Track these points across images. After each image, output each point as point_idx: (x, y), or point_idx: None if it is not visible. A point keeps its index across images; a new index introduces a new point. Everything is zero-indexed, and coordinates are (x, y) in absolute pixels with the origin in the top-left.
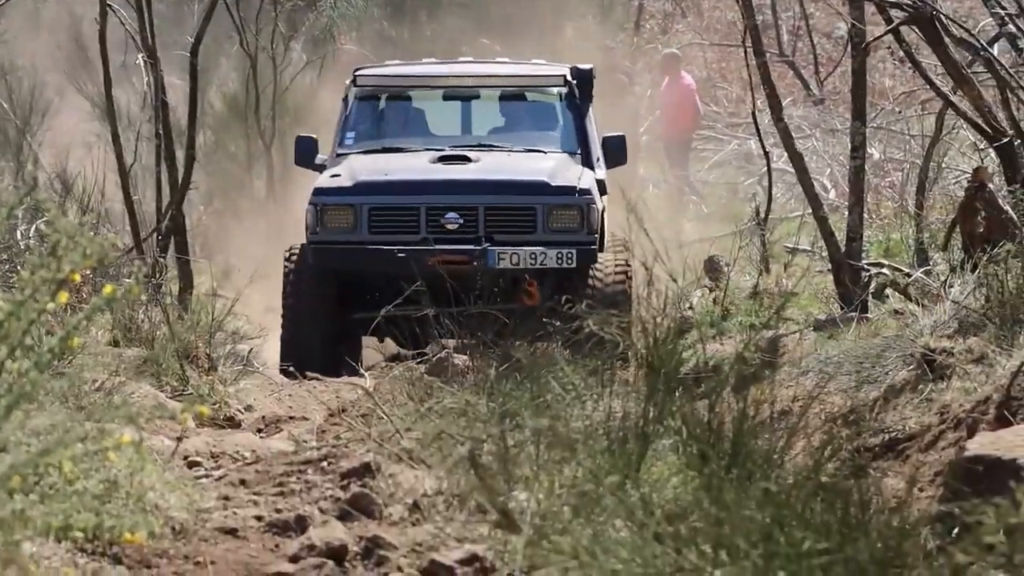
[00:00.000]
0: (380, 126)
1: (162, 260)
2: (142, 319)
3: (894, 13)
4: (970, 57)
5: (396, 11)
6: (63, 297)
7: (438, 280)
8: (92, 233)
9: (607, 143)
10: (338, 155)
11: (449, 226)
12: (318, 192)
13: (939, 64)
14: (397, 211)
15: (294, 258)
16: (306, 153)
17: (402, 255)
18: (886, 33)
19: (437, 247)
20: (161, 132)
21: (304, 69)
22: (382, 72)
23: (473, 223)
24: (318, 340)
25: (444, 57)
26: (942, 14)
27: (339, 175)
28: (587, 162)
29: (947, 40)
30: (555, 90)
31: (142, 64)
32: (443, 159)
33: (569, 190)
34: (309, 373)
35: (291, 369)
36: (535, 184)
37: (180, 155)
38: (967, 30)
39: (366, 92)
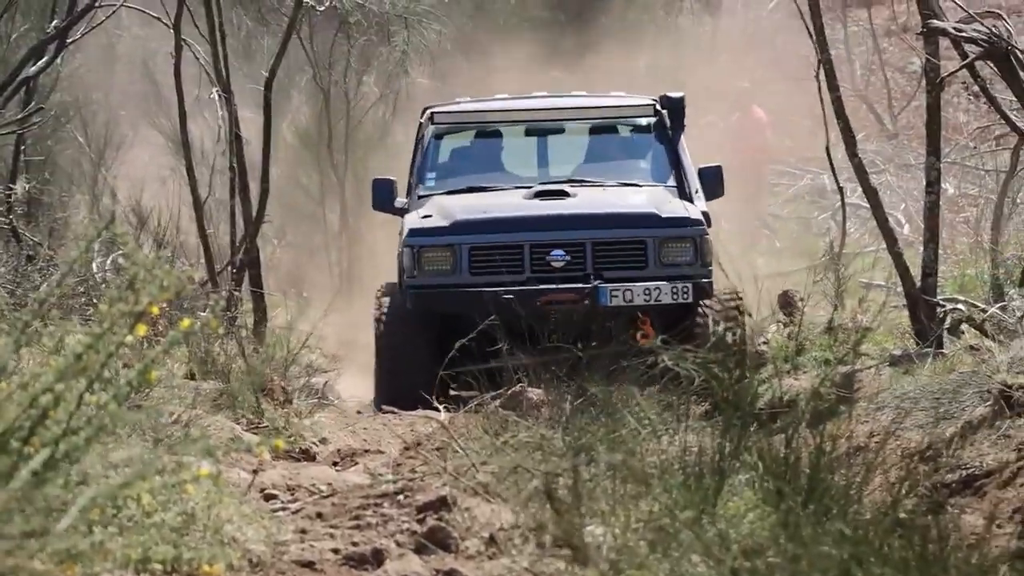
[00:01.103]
0: (461, 164)
1: (237, 293)
2: (218, 352)
3: (969, 48)
4: None
5: (468, 45)
6: (141, 330)
7: (543, 322)
8: (168, 266)
9: (703, 174)
10: (420, 197)
11: (555, 264)
12: (414, 233)
13: (1014, 99)
14: (499, 250)
15: (386, 300)
16: (384, 196)
17: (508, 297)
18: (961, 68)
19: (543, 287)
20: (235, 166)
21: (376, 103)
22: (460, 109)
23: (580, 260)
24: (415, 383)
25: (517, 92)
26: (1018, 49)
27: (431, 215)
28: (683, 194)
29: (1022, 75)
30: (644, 121)
31: (216, 98)
32: (539, 195)
33: (681, 221)
34: (385, 407)
35: (384, 408)
36: (645, 216)
37: (254, 188)
38: None
39: (444, 130)
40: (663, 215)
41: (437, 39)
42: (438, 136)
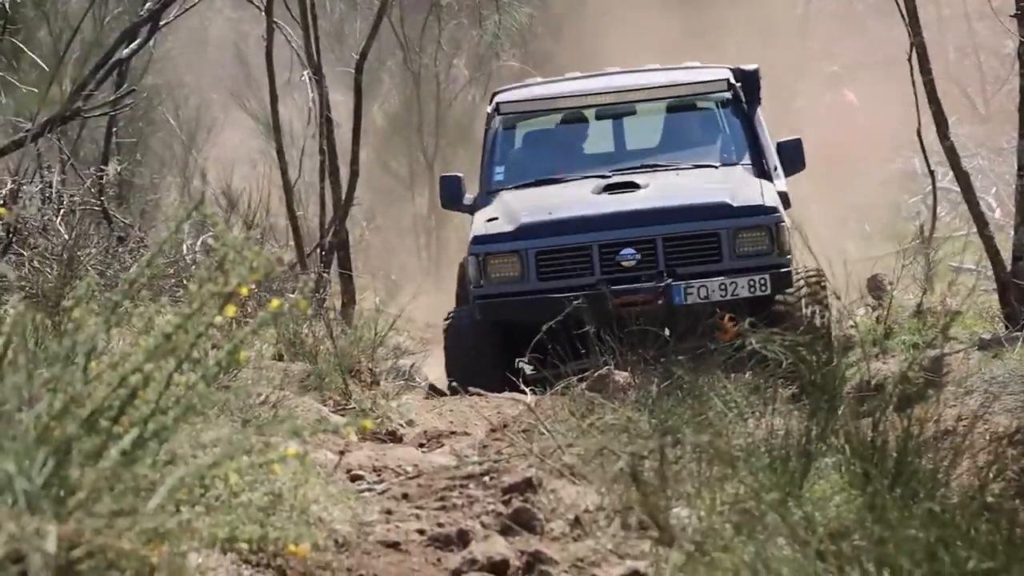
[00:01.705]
0: (531, 153)
1: (326, 275)
2: (306, 334)
3: None
4: None
5: (559, 27)
6: (230, 311)
7: (619, 323)
8: (258, 248)
9: (782, 148)
10: (488, 193)
11: (625, 263)
12: (478, 240)
13: None
14: (567, 252)
15: (452, 312)
16: (452, 194)
17: (579, 304)
18: None
19: (615, 287)
20: (325, 148)
21: (467, 86)
22: (526, 95)
23: (651, 257)
24: (485, 380)
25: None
26: None
27: (496, 218)
28: (762, 172)
29: None
30: (718, 95)
31: (308, 80)
32: (608, 188)
33: (754, 209)
34: (472, 388)
35: (454, 385)
36: (715, 206)
37: (344, 171)
38: None
39: (511, 119)
40: (735, 204)
41: (528, 22)
42: (506, 127)
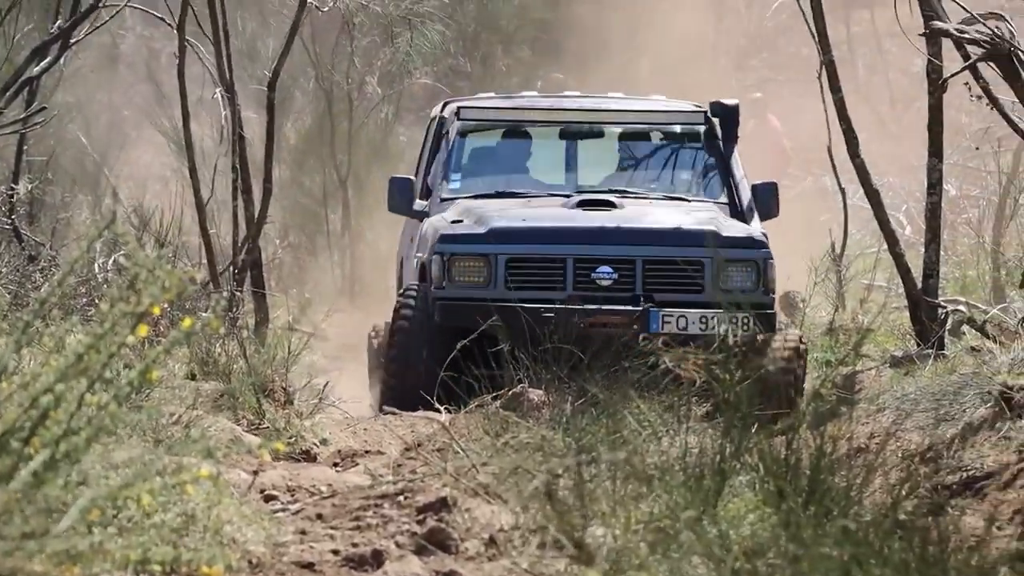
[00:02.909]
0: (486, 166)
1: (239, 294)
2: (219, 353)
3: (971, 49)
4: None
5: (471, 45)
6: (142, 330)
7: (584, 345)
8: (170, 266)
9: (757, 191)
10: (443, 200)
11: (601, 282)
12: (445, 239)
13: (1016, 100)
14: (539, 263)
15: (409, 305)
16: (403, 197)
17: (548, 315)
18: (963, 69)
19: (588, 307)
20: (238, 166)
21: (379, 104)
22: (489, 105)
23: (629, 279)
24: (426, 388)
25: (515, 91)
26: (1020, 50)
27: (462, 220)
28: (735, 213)
29: None
30: (693, 129)
31: (220, 98)
32: (582, 204)
33: (745, 241)
34: (386, 408)
35: (384, 409)
36: (704, 233)
37: (257, 189)
38: None
39: (471, 127)
40: (724, 234)
41: (440, 40)
42: (463, 133)
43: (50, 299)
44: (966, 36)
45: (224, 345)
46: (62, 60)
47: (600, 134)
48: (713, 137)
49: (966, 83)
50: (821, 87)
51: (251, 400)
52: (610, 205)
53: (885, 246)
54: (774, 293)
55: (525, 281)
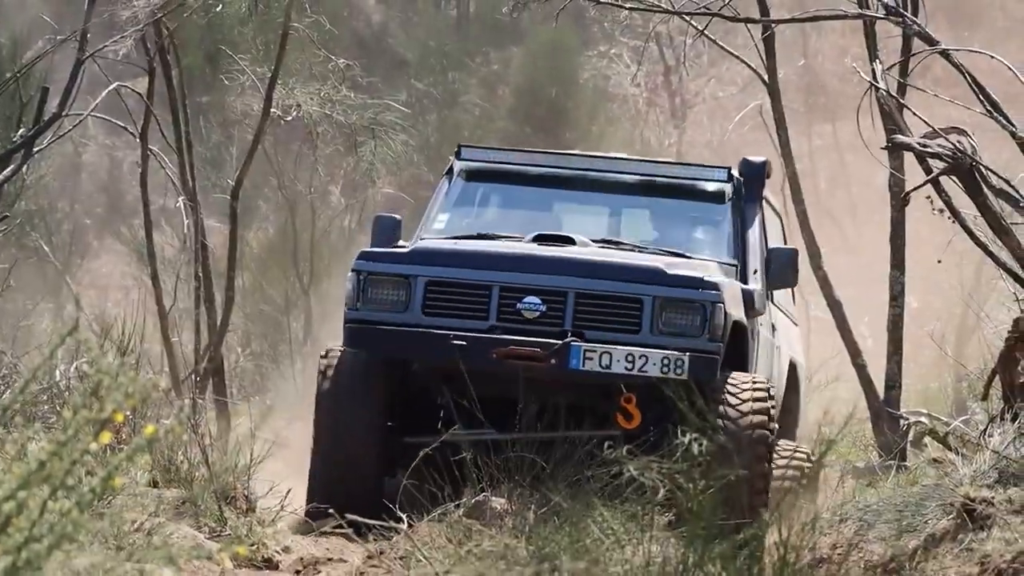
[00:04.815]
0: (480, 211)
1: (201, 401)
2: (181, 460)
3: (933, 163)
4: (1010, 208)
5: (434, 154)
6: (105, 437)
7: (507, 386)
8: (132, 374)
9: (773, 256)
10: (421, 239)
11: (527, 313)
12: (364, 256)
13: (978, 214)
14: (461, 288)
15: (332, 362)
16: (387, 236)
17: (460, 343)
18: (925, 183)
19: (505, 337)
20: (200, 274)
21: (342, 212)
22: (495, 150)
23: (558, 312)
24: (361, 467)
25: None
26: (981, 164)
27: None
28: (739, 274)
29: (986, 190)
30: (714, 187)
31: (183, 207)
32: (540, 239)
33: (690, 281)
34: (349, 516)
35: (326, 510)
36: (645, 269)
37: (219, 297)
38: (1007, 181)
39: (472, 168)
40: (669, 271)
41: (403, 150)
42: (461, 174)
43: (12, 406)
44: (928, 150)
45: (186, 452)
46: (24, 169)
47: (608, 188)
48: (731, 196)
49: (928, 196)
50: (784, 200)
51: (213, 507)
52: (569, 241)
53: (848, 358)
54: (720, 340)
55: (445, 308)
